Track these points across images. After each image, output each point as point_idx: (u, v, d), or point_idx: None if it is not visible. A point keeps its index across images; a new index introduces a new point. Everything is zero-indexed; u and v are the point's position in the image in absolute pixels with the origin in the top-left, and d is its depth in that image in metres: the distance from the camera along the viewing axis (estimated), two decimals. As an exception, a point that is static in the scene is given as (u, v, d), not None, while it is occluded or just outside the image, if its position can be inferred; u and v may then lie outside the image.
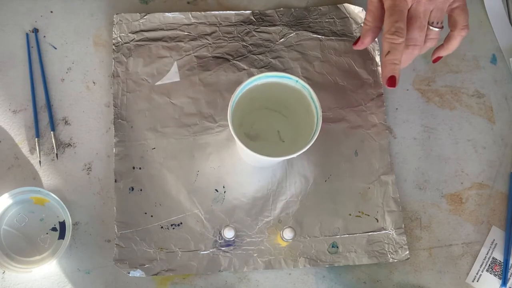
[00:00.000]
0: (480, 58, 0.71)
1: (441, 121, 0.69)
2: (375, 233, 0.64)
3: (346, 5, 0.70)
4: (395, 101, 0.69)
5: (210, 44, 0.69)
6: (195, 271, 0.62)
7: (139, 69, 0.67)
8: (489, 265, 0.64)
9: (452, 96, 0.70)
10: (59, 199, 0.60)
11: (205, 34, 0.69)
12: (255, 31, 0.69)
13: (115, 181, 0.63)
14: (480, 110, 0.69)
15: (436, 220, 0.65)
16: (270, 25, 0.70)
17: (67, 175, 0.64)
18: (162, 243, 0.62)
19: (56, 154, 0.64)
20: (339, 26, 0.70)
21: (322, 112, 0.57)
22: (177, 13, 0.69)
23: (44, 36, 0.68)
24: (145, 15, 0.69)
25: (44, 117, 0.65)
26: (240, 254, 0.62)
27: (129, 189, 0.63)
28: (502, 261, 0.64)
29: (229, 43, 0.69)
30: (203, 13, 0.69)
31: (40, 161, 0.64)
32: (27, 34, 0.68)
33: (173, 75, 0.67)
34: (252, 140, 0.65)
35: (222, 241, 0.62)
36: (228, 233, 0.60)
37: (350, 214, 0.64)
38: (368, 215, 0.64)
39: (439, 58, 0.62)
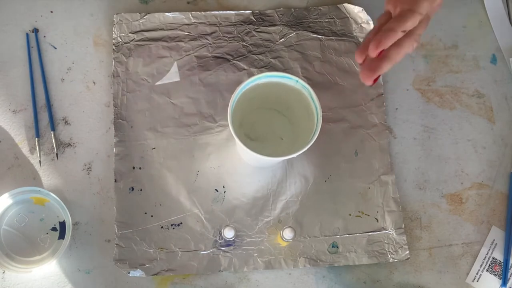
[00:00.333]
0: (480, 58, 0.71)
1: (441, 121, 0.69)
2: (375, 233, 0.64)
3: (346, 5, 0.70)
4: (395, 101, 0.69)
5: (210, 44, 0.69)
6: (195, 271, 0.62)
7: (139, 69, 0.67)
8: (489, 265, 0.64)
9: (452, 96, 0.70)
10: (59, 199, 0.60)
11: (205, 34, 0.69)
12: (255, 31, 0.69)
13: (115, 181, 0.63)
14: (480, 110, 0.69)
15: (436, 220, 0.65)
16: (270, 25, 0.70)
17: (67, 175, 0.64)
18: (162, 243, 0.62)
19: (56, 154, 0.64)
20: (339, 26, 0.70)
21: (322, 112, 0.57)
22: (177, 13, 0.69)
23: (44, 36, 0.68)
24: (145, 15, 0.69)
25: (44, 117, 0.65)
26: (240, 254, 0.62)
27: (129, 189, 0.63)
28: (502, 261, 0.64)
29: (229, 43, 0.69)
30: (203, 13, 0.69)
31: (40, 161, 0.64)
32: (27, 34, 0.68)
33: (173, 75, 0.67)
34: (252, 140, 0.65)
35: (222, 241, 0.62)
36: (228, 233, 0.60)
37: (350, 214, 0.64)
38: (368, 215, 0.64)
39: (378, 77, 0.53)
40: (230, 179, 0.64)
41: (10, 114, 0.66)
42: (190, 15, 0.69)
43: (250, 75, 0.67)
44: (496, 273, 0.64)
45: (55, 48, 0.68)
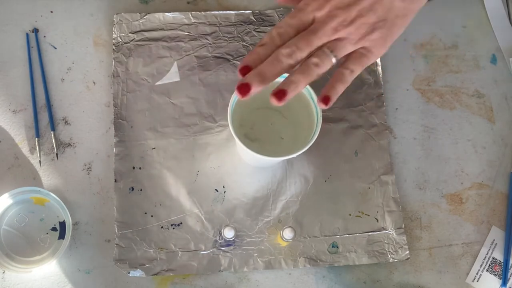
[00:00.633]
0: (480, 58, 0.71)
1: (441, 121, 0.69)
2: (375, 233, 0.64)
3: (346, 5, 0.70)
4: (395, 101, 0.69)
5: (210, 44, 0.69)
6: (195, 271, 0.62)
7: (139, 69, 0.67)
8: (489, 265, 0.64)
9: (452, 96, 0.70)
10: (59, 199, 0.60)
11: (205, 34, 0.69)
12: (255, 31, 0.69)
13: (115, 181, 0.63)
14: (480, 110, 0.69)
15: (436, 220, 0.65)
16: (270, 25, 0.70)
17: (67, 175, 0.64)
18: (162, 243, 0.62)
19: (56, 154, 0.64)
20: (339, 26, 0.70)
21: (322, 112, 0.57)
22: (177, 13, 0.69)
23: (44, 36, 0.68)
24: (145, 15, 0.69)
25: (44, 117, 0.65)
26: (240, 254, 0.62)
27: (129, 189, 0.63)
28: (502, 261, 0.64)
29: (229, 43, 0.69)
30: (203, 13, 0.69)
31: (40, 161, 0.64)
32: (27, 34, 0.68)
33: (173, 75, 0.67)
34: (252, 140, 0.65)
35: (222, 241, 0.62)
36: (228, 233, 0.60)
37: (350, 214, 0.64)
38: (368, 215, 0.64)
39: (327, 98, 0.50)
40: (230, 179, 0.64)
41: (10, 114, 0.66)
42: (190, 15, 0.69)
43: (250, 75, 0.67)
44: (496, 273, 0.64)
45: (55, 48, 0.68)
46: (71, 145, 0.65)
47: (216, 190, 0.64)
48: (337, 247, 0.63)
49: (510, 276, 0.64)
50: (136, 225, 0.62)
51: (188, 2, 0.71)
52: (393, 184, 0.65)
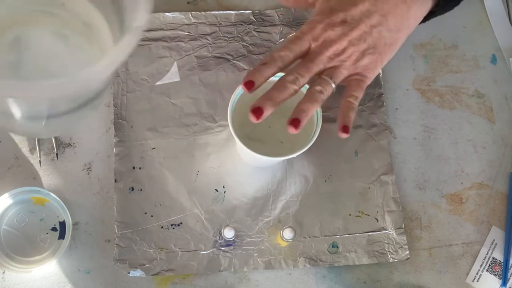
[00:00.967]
0: (480, 58, 0.71)
1: (441, 121, 0.69)
2: (375, 233, 0.64)
3: (346, 5, 0.70)
4: (395, 101, 0.69)
5: (210, 44, 0.69)
6: (195, 271, 0.62)
7: (139, 69, 0.67)
8: (489, 265, 0.64)
9: (452, 96, 0.70)
10: (59, 199, 0.60)
11: (205, 34, 0.69)
12: (255, 31, 0.69)
13: (115, 181, 0.63)
14: (480, 110, 0.69)
15: (436, 220, 0.65)
16: (270, 25, 0.70)
17: (67, 175, 0.64)
18: (162, 243, 0.62)
19: (56, 154, 0.64)
20: (339, 26, 0.70)
21: (322, 112, 0.57)
22: (177, 13, 0.69)
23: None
24: (145, 15, 0.69)
25: (44, 117, 0.65)
26: (240, 254, 0.62)
27: (129, 189, 0.63)
28: (502, 261, 0.64)
29: (229, 43, 0.69)
30: (203, 13, 0.69)
31: (40, 161, 0.64)
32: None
33: (173, 75, 0.67)
34: (252, 140, 0.65)
35: (222, 241, 0.62)
36: (228, 233, 0.60)
37: (350, 214, 0.64)
38: (368, 215, 0.64)
39: (346, 127, 0.55)
40: (230, 179, 0.64)
41: (10, 114, 0.65)
42: (190, 15, 0.69)
43: (250, 75, 0.67)
44: (496, 273, 0.64)
45: (55, 48, 0.68)
46: (71, 145, 0.65)
47: (216, 190, 0.64)
48: (337, 247, 0.63)
49: (510, 276, 0.64)
50: (136, 225, 0.62)
51: (188, 2, 0.71)
52: (393, 184, 0.65)
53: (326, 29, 0.56)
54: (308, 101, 0.54)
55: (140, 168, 0.64)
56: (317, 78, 0.56)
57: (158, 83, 0.67)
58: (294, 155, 0.55)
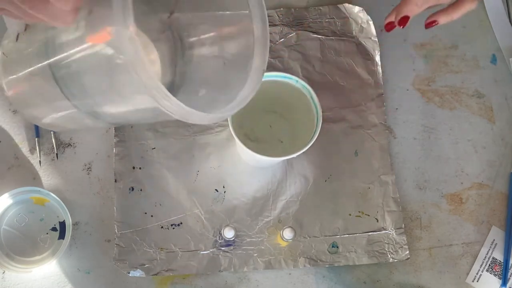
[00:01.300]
0: (480, 58, 0.71)
1: (441, 121, 0.69)
2: (375, 233, 0.64)
3: (346, 5, 0.70)
4: (395, 101, 0.69)
5: (210, 44, 0.68)
6: (195, 271, 0.62)
7: (139, 69, 0.67)
8: (489, 265, 0.64)
9: (452, 96, 0.70)
10: (59, 199, 0.60)
11: (205, 34, 0.69)
12: (255, 31, 0.69)
13: (115, 181, 0.63)
14: (480, 110, 0.69)
15: (436, 220, 0.65)
16: (270, 25, 0.70)
17: (67, 175, 0.64)
18: (162, 243, 0.62)
19: (56, 154, 0.64)
20: (339, 26, 0.70)
21: (322, 112, 0.57)
22: (177, 13, 0.69)
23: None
24: (145, 15, 0.69)
25: (44, 117, 0.65)
26: (240, 254, 0.62)
27: (129, 189, 0.63)
28: (502, 261, 0.64)
29: (229, 43, 0.69)
30: (203, 13, 0.69)
31: (40, 161, 0.64)
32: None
33: (173, 75, 0.67)
34: (252, 140, 0.65)
35: (222, 241, 0.62)
36: (228, 233, 0.60)
37: (350, 214, 0.64)
38: (368, 215, 0.64)
39: (434, 23, 0.58)
40: (230, 179, 0.64)
41: (10, 114, 0.66)
42: (190, 15, 0.69)
43: (250, 75, 0.67)
44: (496, 273, 0.64)
45: (55, 48, 0.68)
46: (71, 145, 0.65)
47: (216, 190, 0.64)
48: (337, 247, 0.63)
49: (510, 276, 0.64)
50: (136, 225, 0.62)
51: (188, 2, 0.71)
52: (393, 184, 0.65)
53: None
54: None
55: (140, 168, 0.64)
56: None
57: (158, 83, 0.67)
58: (294, 155, 0.55)
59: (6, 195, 0.60)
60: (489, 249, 0.65)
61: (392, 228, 0.64)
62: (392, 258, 0.63)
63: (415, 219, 0.65)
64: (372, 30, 0.69)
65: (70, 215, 0.60)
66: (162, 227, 0.62)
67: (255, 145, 0.59)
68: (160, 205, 0.63)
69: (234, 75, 0.46)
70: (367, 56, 0.69)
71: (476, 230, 0.65)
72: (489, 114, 0.69)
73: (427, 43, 0.71)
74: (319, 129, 0.56)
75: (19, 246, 0.61)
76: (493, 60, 0.71)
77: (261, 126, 0.65)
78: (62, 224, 0.62)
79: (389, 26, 0.58)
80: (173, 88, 0.47)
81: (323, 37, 0.69)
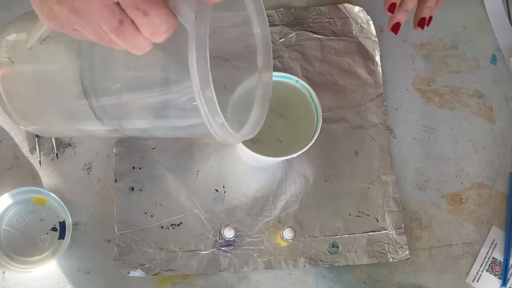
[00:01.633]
0: (480, 58, 0.71)
1: (441, 121, 0.69)
2: (375, 233, 0.64)
3: (346, 5, 0.70)
4: (395, 101, 0.69)
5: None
6: (195, 271, 0.62)
7: (139, 69, 0.67)
8: (489, 265, 0.64)
9: (452, 96, 0.70)
10: (59, 199, 0.60)
11: (205, 34, 0.69)
12: (255, 31, 0.69)
13: (115, 181, 0.63)
14: (480, 110, 0.69)
15: (436, 220, 0.65)
16: (270, 25, 0.70)
17: (67, 175, 0.64)
18: (162, 243, 0.62)
19: (56, 154, 0.64)
20: (339, 26, 0.70)
21: (322, 112, 0.57)
22: (177, 13, 0.69)
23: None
24: (145, 15, 0.69)
25: (44, 117, 0.65)
26: (240, 254, 0.62)
27: (129, 189, 0.63)
28: (502, 261, 0.64)
29: (229, 43, 0.69)
30: (203, 13, 0.69)
31: (40, 161, 0.64)
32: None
33: (173, 75, 0.67)
34: (252, 140, 0.65)
35: (222, 241, 0.62)
36: (228, 233, 0.60)
37: (350, 214, 0.64)
38: (368, 215, 0.64)
39: (424, 20, 0.61)
40: (230, 179, 0.64)
41: (10, 114, 0.65)
42: (190, 15, 0.69)
43: (250, 75, 0.67)
44: (496, 273, 0.64)
45: (55, 48, 0.68)
46: (71, 145, 0.65)
47: (216, 190, 0.64)
48: (337, 247, 0.63)
49: (510, 276, 0.64)
50: (136, 225, 0.62)
51: (188, 2, 0.71)
52: (393, 184, 0.65)
53: None
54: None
55: (140, 168, 0.64)
56: None
57: (158, 83, 0.67)
58: (294, 155, 0.55)
59: (6, 195, 0.60)
60: (489, 249, 0.65)
61: (392, 228, 0.64)
62: (392, 258, 0.63)
63: (415, 219, 0.65)
64: (372, 30, 0.69)
65: (70, 215, 0.60)
66: (162, 227, 0.62)
67: (255, 145, 0.59)
68: (160, 205, 0.63)
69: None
70: (367, 56, 0.69)
71: (476, 230, 0.65)
72: (489, 114, 0.69)
73: (427, 43, 0.71)
74: (319, 129, 0.56)
75: (19, 246, 0.61)
76: (493, 60, 0.71)
77: (261, 128, 0.65)
78: (62, 224, 0.62)
79: (396, 27, 0.61)
80: None
81: (323, 37, 0.69)
